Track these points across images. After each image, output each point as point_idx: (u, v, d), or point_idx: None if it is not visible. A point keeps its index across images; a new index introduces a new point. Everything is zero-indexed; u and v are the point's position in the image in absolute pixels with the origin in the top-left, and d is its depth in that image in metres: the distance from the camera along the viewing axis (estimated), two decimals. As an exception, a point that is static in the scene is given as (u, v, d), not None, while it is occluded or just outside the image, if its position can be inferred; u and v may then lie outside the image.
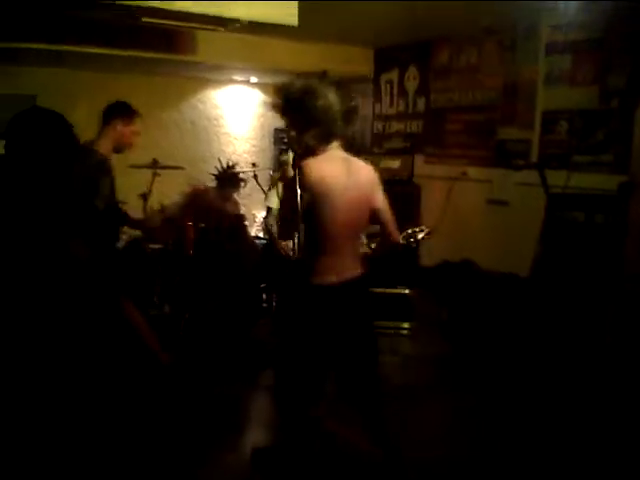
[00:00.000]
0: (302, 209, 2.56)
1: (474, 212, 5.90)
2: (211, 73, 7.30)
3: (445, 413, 4.08)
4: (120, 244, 5.55)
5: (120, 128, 3.99)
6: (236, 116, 8.12)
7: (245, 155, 8.09)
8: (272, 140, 8.32)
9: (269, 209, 5.04)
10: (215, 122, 7.97)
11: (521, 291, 4.64)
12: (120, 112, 4.01)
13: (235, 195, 6.19)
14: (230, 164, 6.40)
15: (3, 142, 2.05)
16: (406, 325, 5.53)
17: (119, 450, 2.97)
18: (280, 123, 8.92)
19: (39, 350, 2.01)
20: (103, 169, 3.81)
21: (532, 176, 4.40)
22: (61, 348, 2.05)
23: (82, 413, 2.11)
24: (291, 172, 2.68)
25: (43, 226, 2.03)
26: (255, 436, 3.83)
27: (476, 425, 3.81)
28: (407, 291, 5.38)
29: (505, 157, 5.66)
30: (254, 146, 8.26)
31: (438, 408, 4.16)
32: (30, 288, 1.98)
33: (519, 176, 5.23)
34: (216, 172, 6.23)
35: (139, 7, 3.71)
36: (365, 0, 4.85)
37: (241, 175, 6.15)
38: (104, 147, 3.98)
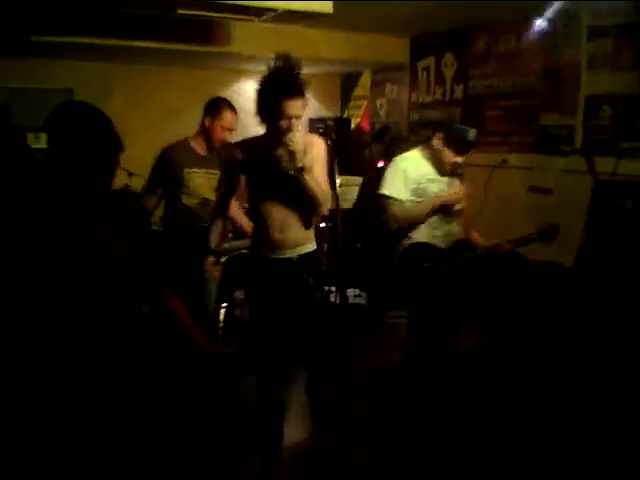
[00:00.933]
0: None
1: (515, 200, 5.77)
2: (246, 64, 7.28)
3: (480, 407, 4.03)
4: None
5: (209, 124, 4.03)
6: (271, 107, 8.09)
7: (280, 146, 8.06)
8: (307, 130, 8.28)
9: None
10: (251, 114, 7.95)
11: (565, 280, 4.53)
12: (208, 108, 4.07)
13: None
14: None
15: (44, 135, 2.07)
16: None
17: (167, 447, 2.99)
18: (314, 113, 8.98)
19: (79, 345, 2.01)
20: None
21: (576, 162, 4.27)
22: (102, 343, 2.05)
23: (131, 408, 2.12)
24: None
25: (86, 218, 2.05)
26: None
27: (509, 421, 3.75)
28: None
29: (547, 143, 5.52)
30: (289, 137, 8.23)
31: (474, 402, 4.10)
32: (63, 279, 1.99)
33: (562, 163, 5.10)
34: None
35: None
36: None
37: None
38: (197, 143, 4.05)
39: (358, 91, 8.37)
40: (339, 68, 8.02)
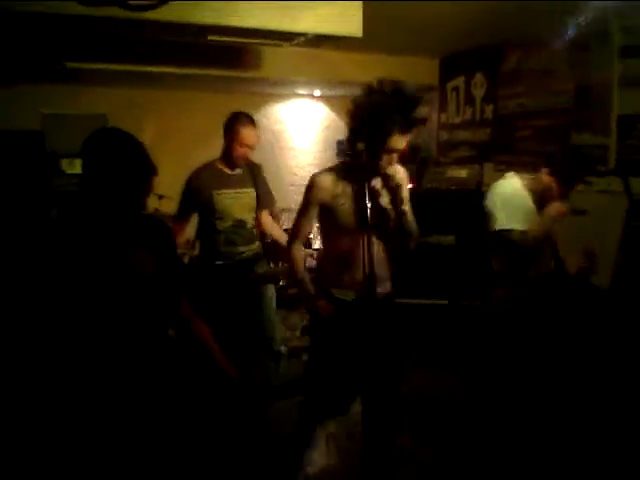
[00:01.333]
0: None
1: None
2: (274, 88, 7.34)
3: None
4: (185, 259, 5.64)
5: (228, 142, 4.03)
6: (300, 130, 8.14)
7: (308, 168, 8.08)
8: (335, 152, 8.30)
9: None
10: (279, 136, 8.02)
11: (601, 303, 4.43)
12: (225, 126, 4.07)
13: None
14: None
15: (79, 161, 2.11)
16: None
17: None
18: (342, 135, 8.96)
19: (109, 363, 2.02)
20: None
21: (612, 183, 4.20)
22: (124, 360, 2.06)
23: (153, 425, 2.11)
24: None
25: (121, 240, 2.10)
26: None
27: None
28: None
29: (580, 163, 5.43)
30: (317, 158, 8.26)
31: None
32: (98, 301, 2.01)
33: (597, 183, 5.01)
34: None
35: (207, 25, 3.73)
36: None
37: None
38: (223, 163, 4.07)
39: (387, 113, 8.38)
40: (367, 90, 8.04)
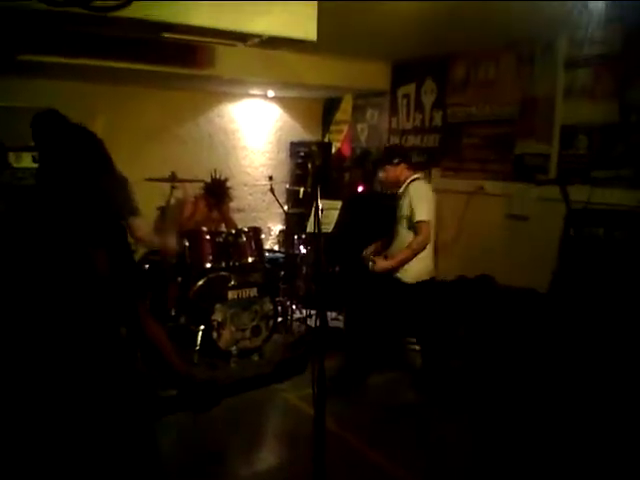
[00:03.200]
0: None
1: (492, 227, 5.87)
2: (229, 87, 7.34)
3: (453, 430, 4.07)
4: (136, 256, 5.61)
5: None
6: (253, 130, 8.16)
7: (261, 169, 8.11)
8: (288, 153, 8.36)
9: None
10: (232, 136, 8.01)
11: (539, 307, 4.60)
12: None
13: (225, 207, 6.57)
14: (221, 177, 6.55)
15: (27, 154, 2.10)
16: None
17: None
18: (296, 136, 9.07)
19: (51, 361, 2.01)
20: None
21: (552, 191, 4.37)
22: (76, 359, 2.05)
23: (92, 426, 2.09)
24: None
25: (70, 236, 2.07)
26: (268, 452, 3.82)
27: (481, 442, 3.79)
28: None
29: (524, 171, 5.63)
30: (270, 159, 8.28)
31: (446, 425, 4.14)
32: (50, 297, 2.00)
33: (538, 191, 5.20)
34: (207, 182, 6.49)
35: (161, 23, 3.73)
36: None
37: (229, 189, 6.58)
38: None
39: (339, 116, 8.46)
40: (321, 93, 8.12)
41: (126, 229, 2.39)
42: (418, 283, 4.85)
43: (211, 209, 6.36)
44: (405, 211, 4.91)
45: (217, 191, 6.39)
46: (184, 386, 2.34)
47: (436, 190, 6.19)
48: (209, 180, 6.44)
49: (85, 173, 2.06)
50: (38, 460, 1.97)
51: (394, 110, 7.38)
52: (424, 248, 4.79)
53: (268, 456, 3.91)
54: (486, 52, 6.04)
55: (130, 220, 4.32)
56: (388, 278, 4.82)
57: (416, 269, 4.85)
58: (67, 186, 2.05)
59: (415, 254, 4.77)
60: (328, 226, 5.62)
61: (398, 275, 4.82)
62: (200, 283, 5.45)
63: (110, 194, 2.22)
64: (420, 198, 4.86)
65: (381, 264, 4.82)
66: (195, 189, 6.42)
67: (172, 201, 5.45)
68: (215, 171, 6.56)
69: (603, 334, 4.03)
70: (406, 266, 4.81)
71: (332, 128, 8.58)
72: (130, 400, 2.21)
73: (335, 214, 5.75)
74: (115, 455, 2.10)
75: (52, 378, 2.01)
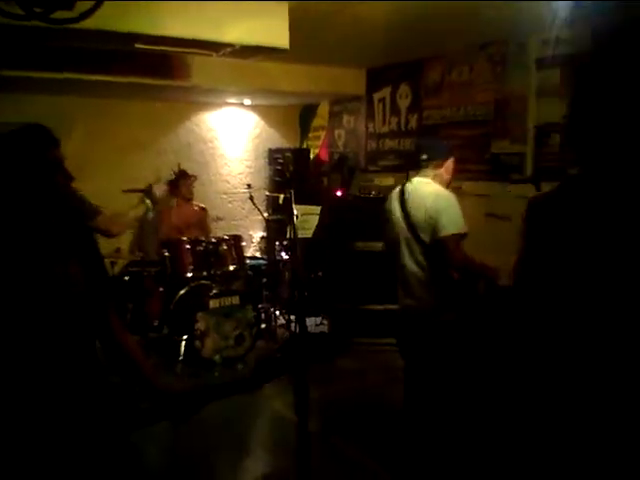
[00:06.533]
0: None
1: (475, 226, 5.89)
2: (206, 96, 7.36)
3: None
4: (116, 268, 5.59)
5: None
6: (231, 138, 8.18)
7: (240, 176, 8.13)
8: (266, 160, 8.38)
9: None
10: (210, 144, 8.03)
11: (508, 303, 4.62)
12: None
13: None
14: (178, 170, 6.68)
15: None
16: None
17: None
18: (274, 144, 9.09)
19: (27, 370, 1.97)
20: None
21: (529, 189, 4.41)
22: (50, 375, 2.00)
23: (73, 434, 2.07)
24: None
25: (36, 245, 2.00)
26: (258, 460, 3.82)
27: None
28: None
29: (500, 171, 5.69)
30: (249, 167, 8.31)
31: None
32: (25, 312, 1.95)
33: (516, 189, 5.26)
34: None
35: (134, 34, 3.74)
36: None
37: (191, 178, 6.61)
38: None
39: (317, 122, 8.51)
40: (297, 100, 8.15)
41: (93, 233, 2.33)
42: None
43: (179, 203, 6.36)
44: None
45: (176, 183, 6.41)
46: (160, 398, 2.30)
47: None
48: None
49: (35, 180, 2.01)
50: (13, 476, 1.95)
51: (370, 115, 7.43)
52: None
53: (252, 464, 3.90)
54: (459, 55, 6.10)
55: (99, 221, 4.06)
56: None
57: None
58: (21, 196, 2.00)
59: None
60: (308, 231, 5.63)
61: None
62: (182, 292, 5.44)
63: (68, 198, 2.17)
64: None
65: None
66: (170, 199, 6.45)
67: (150, 215, 5.43)
68: (179, 165, 6.70)
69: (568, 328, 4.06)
70: None
71: (310, 134, 8.62)
72: (105, 413, 2.17)
73: (315, 219, 5.77)
74: (92, 467, 2.07)
75: (25, 393, 1.97)
